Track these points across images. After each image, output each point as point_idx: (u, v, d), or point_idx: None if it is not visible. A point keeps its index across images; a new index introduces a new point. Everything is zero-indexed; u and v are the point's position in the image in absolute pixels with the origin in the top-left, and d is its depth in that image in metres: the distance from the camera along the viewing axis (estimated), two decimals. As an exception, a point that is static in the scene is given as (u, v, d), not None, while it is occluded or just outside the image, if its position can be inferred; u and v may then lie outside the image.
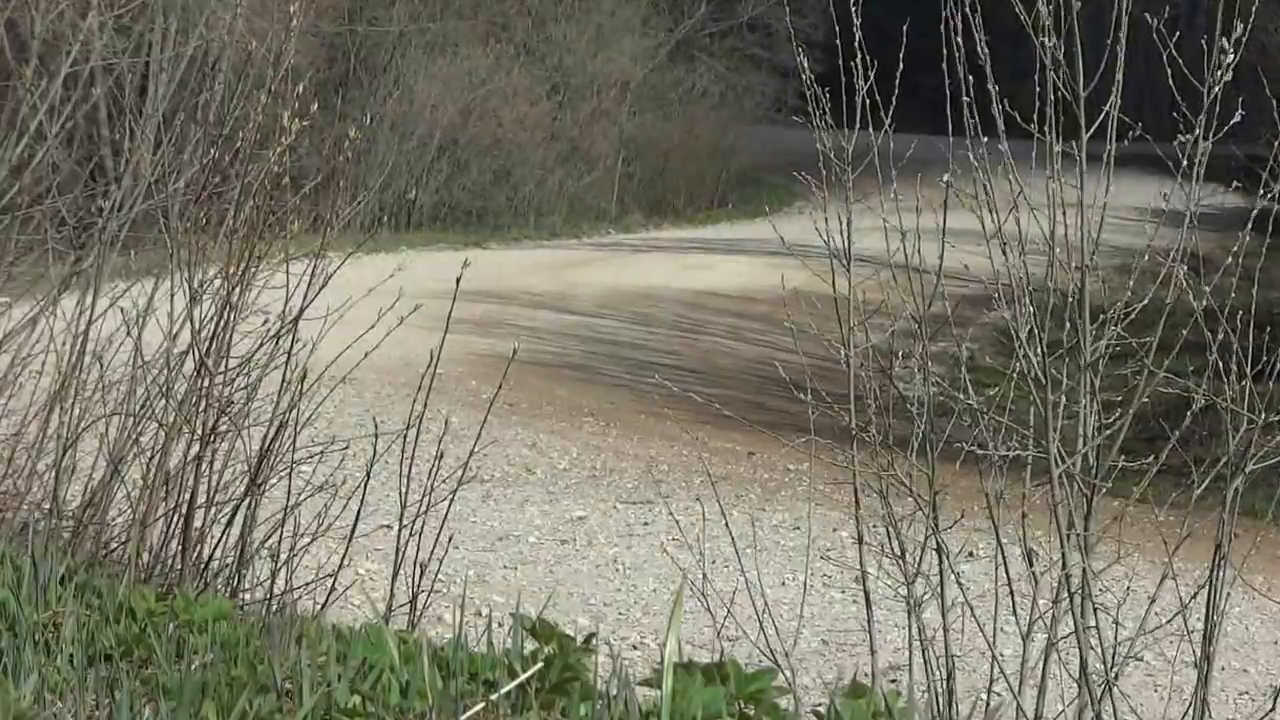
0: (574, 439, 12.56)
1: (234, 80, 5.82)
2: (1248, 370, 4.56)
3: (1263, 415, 4.48)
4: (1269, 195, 4.70)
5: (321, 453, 5.33)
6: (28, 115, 6.00)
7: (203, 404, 5.26)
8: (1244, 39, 4.50)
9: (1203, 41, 4.45)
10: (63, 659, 3.18)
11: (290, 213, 5.39)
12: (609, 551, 9.36)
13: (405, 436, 4.81)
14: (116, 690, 2.98)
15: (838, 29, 4.89)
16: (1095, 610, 4.54)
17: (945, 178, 4.64)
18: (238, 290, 5.29)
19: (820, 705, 2.87)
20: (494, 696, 2.84)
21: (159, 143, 5.98)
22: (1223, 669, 7.49)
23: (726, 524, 5.32)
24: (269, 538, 5.17)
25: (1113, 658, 4.49)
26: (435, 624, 6.06)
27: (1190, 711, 4.46)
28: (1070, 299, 4.63)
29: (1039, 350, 4.61)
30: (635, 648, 7.60)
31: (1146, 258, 4.70)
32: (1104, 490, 4.60)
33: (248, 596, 5.09)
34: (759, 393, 14.20)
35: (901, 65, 5.01)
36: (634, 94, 33.12)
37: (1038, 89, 4.54)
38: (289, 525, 5.13)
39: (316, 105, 5.70)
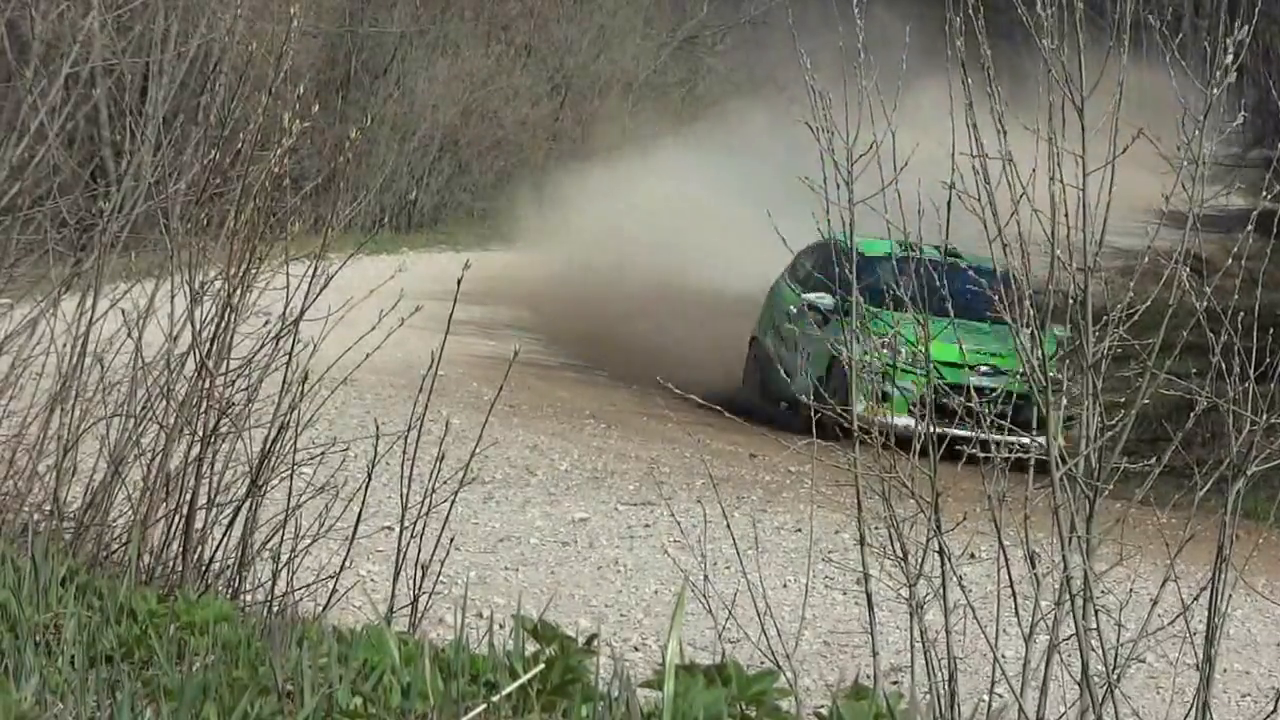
0: (575, 440, 12.56)
1: (234, 81, 5.82)
2: (1250, 372, 4.55)
3: (1265, 417, 4.48)
4: (1269, 196, 4.70)
5: (322, 454, 5.32)
6: (28, 116, 5.99)
7: (203, 405, 5.26)
8: (1246, 41, 4.49)
9: (1205, 43, 4.44)
10: (64, 660, 3.17)
11: (291, 214, 5.38)
12: (610, 553, 9.36)
13: (406, 438, 4.81)
14: (118, 692, 2.97)
15: (841, 29, 4.88)
16: (1097, 612, 4.54)
17: (947, 180, 4.64)
18: (238, 291, 5.28)
19: (822, 707, 2.87)
20: (495, 698, 2.83)
21: (159, 144, 5.98)
22: (1224, 671, 7.49)
23: (728, 525, 5.32)
24: (270, 539, 5.16)
25: (1115, 660, 4.48)
26: (437, 625, 6.05)
27: (1192, 713, 4.46)
28: (1072, 301, 4.63)
29: (1040, 352, 4.61)
30: (637, 649, 7.60)
31: (1147, 259, 4.69)
32: (1106, 492, 4.60)
33: (249, 598, 5.09)
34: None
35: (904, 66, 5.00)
36: (636, 94, 33.12)
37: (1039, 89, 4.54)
38: (290, 527, 5.12)
39: (317, 106, 5.69)
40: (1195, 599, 4.47)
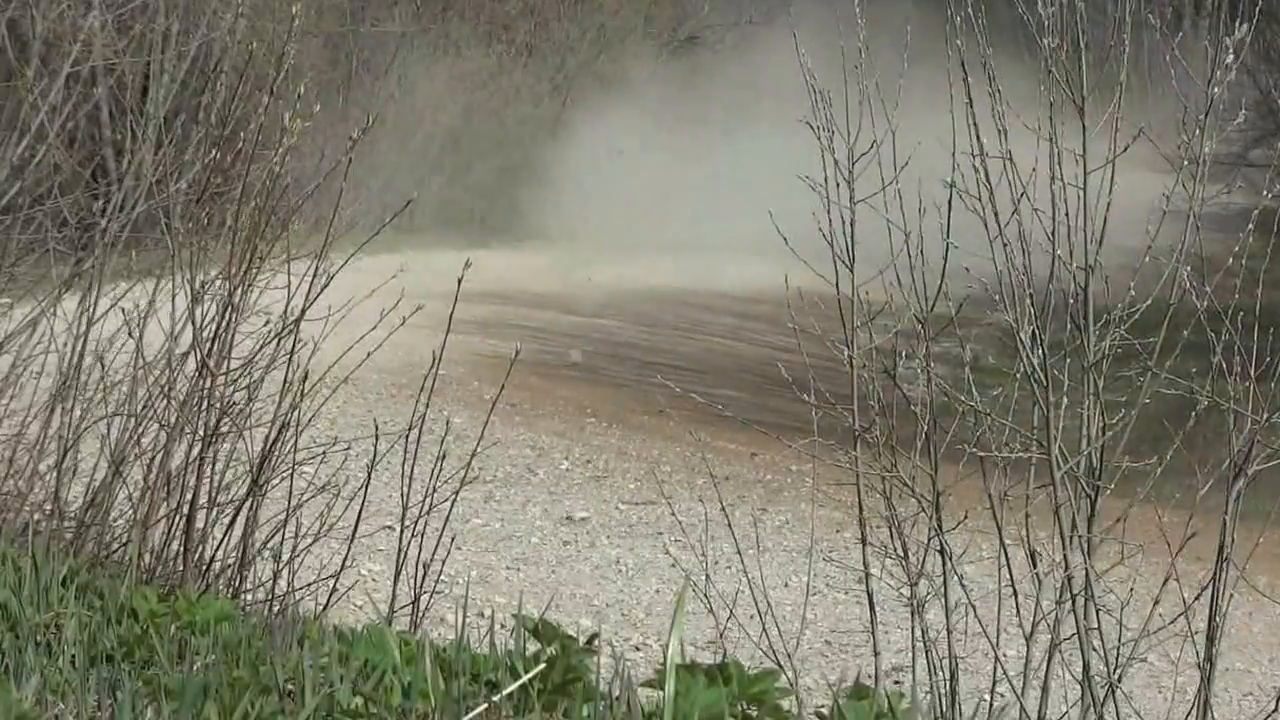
0: (576, 439, 12.55)
1: (235, 81, 5.82)
2: (1251, 371, 4.55)
3: (1266, 416, 4.47)
4: (1271, 195, 4.69)
5: (323, 453, 5.32)
6: (29, 115, 5.99)
7: (204, 405, 5.26)
8: (1246, 40, 4.49)
9: (1206, 42, 4.44)
10: (64, 660, 3.17)
11: (292, 213, 5.38)
12: (611, 552, 9.36)
13: (407, 437, 4.81)
14: (118, 691, 2.98)
15: (841, 29, 4.88)
16: (1098, 612, 4.53)
17: (947, 178, 4.63)
18: (239, 291, 5.28)
19: (823, 707, 2.87)
20: (496, 698, 2.83)
21: (160, 143, 5.98)
22: (1226, 670, 7.48)
23: (729, 524, 5.32)
24: (271, 539, 5.16)
25: (1116, 659, 4.48)
26: (438, 625, 6.05)
27: (1193, 713, 4.46)
28: (1073, 300, 4.62)
29: (1041, 351, 4.60)
30: (638, 649, 7.60)
31: (1147, 259, 4.68)
32: (1107, 491, 4.59)
33: (250, 597, 5.09)
34: (762, 393, 14.20)
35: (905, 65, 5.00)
36: (637, 93, 33.09)
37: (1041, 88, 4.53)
38: (291, 526, 5.12)
39: (318, 106, 5.69)
40: (1196, 598, 4.47)
